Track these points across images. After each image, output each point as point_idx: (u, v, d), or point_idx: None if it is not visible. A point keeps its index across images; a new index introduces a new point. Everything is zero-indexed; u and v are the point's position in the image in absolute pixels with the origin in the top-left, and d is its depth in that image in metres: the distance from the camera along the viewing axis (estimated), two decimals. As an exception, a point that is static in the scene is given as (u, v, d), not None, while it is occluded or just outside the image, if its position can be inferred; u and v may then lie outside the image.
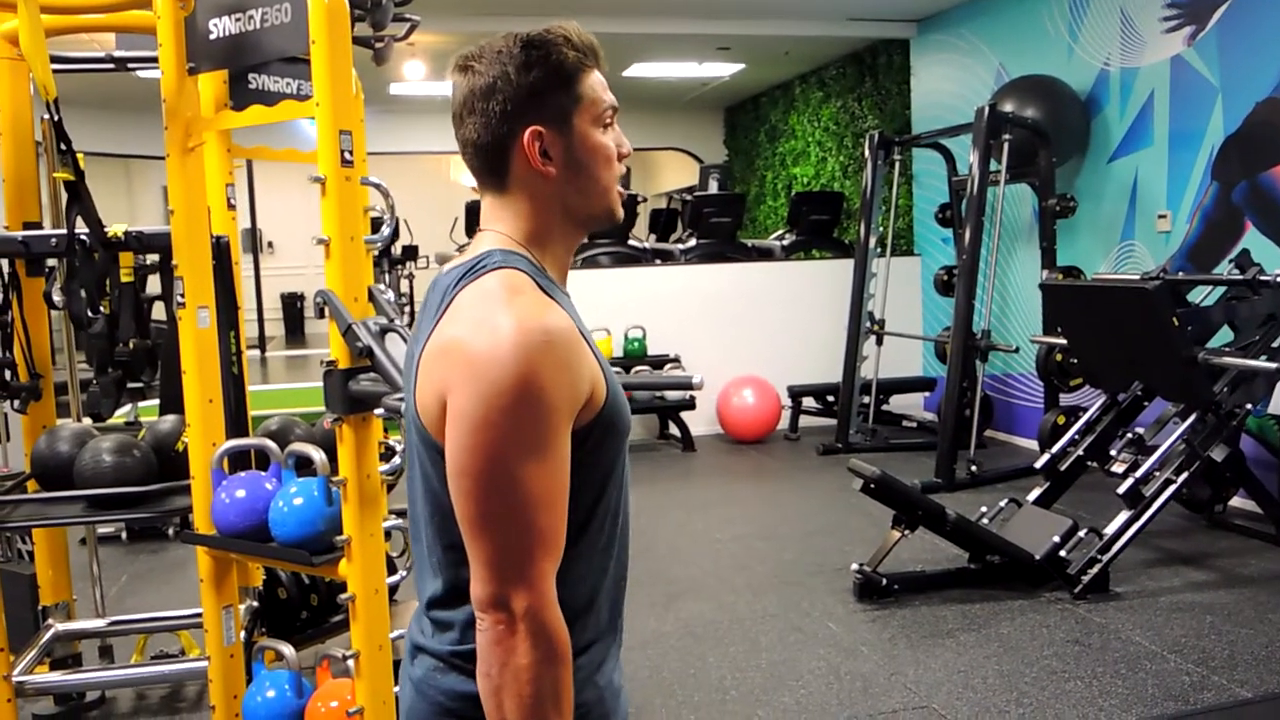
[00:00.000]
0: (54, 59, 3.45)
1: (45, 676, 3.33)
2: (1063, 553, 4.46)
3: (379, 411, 2.52)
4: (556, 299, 1.25)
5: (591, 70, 1.31)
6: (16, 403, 3.27)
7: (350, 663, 2.57)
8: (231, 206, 3.40)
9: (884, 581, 4.45)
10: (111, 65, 3.61)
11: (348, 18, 2.52)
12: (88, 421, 3.41)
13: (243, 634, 3.15)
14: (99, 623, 3.63)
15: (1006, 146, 6.36)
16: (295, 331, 15.99)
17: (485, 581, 1.17)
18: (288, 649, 2.85)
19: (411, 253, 12.32)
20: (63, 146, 2.78)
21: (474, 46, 1.30)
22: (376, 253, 9.79)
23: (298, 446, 2.69)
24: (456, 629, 1.28)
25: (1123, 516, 4.52)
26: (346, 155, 2.48)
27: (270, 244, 15.87)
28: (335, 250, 2.47)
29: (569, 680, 1.19)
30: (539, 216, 1.31)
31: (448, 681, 1.28)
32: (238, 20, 2.65)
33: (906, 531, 4.49)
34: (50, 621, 3.45)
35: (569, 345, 1.19)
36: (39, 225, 3.32)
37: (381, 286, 3.52)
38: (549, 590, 1.17)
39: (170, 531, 5.39)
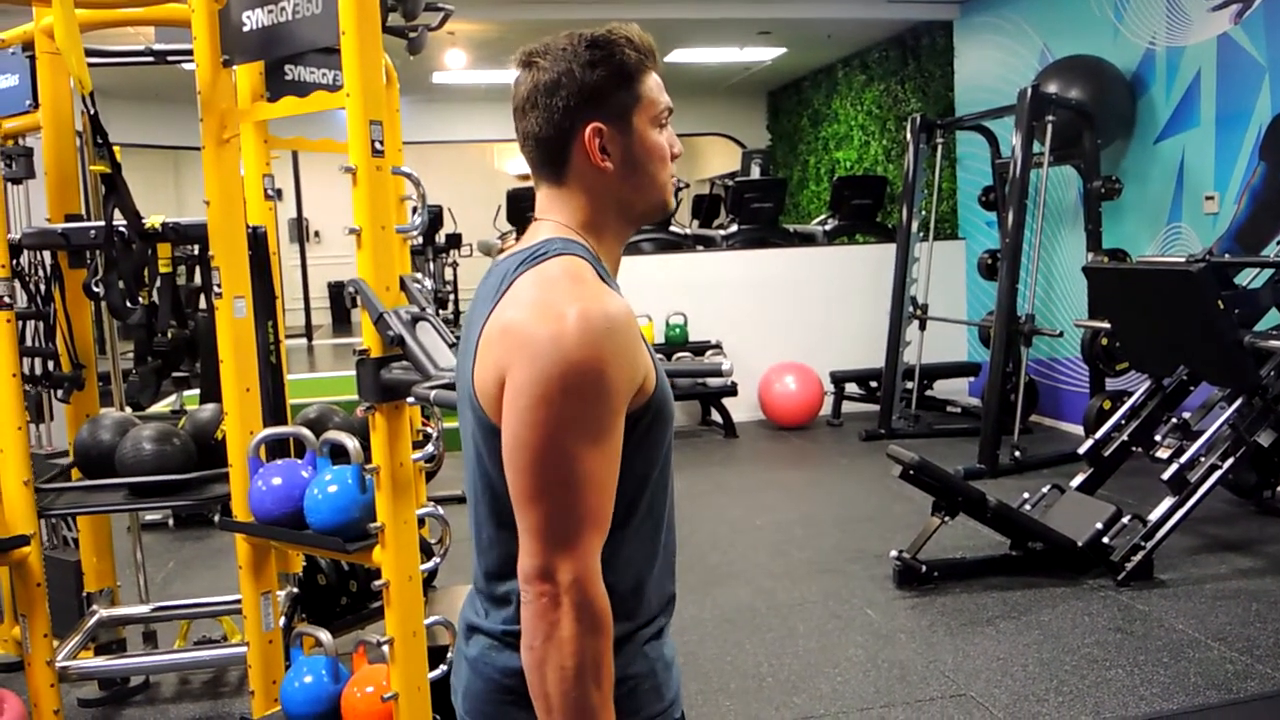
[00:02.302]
0: (95, 52, 3.50)
1: (89, 661, 3.40)
2: (1106, 539, 4.41)
3: (411, 400, 2.54)
4: (611, 288, 1.29)
5: (651, 71, 1.35)
6: (60, 392, 3.33)
7: (385, 649, 2.60)
8: (269, 197, 3.43)
9: (924, 568, 4.41)
10: (151, 58, 3.66)
11: (378, 8, 2.53)
12: (130, 410, 3.47)
13: (282, 620, 3.20)
14: (143, 608, 3.70)
15: (1050, 128, 6.26)
16: (342, 320, 16.12)
17: (533, 554, 1.20)
18: (325, 635, 2.88)
19: (455, 241, 12.39)
20: (99, 139, 2.82)
21: (538, 43, 1.34)
22: (419, 242, 9.83)
23: (332, 434, 2.72)
24: (510, 606, 1.31)
25: (1167, 502, 4.45)
26: (377, 145, 2.49)
27: (317, 233, 16.02)
28: (367, 240, 2.49)
29: (610, 654, 1.22)
30: (595, 209, 1.36)
31: (503, 659, 1.31)
32: (270, 12, 2.67)
33: (946, 518, 4.45)
34: (95, 607, 3.52)
35: (628, 332, 1.23)
36: (80, 217, 3.37)
37: (418, 275, 3.54)
38: (594, 564, 1.21)
39: (216, 519, 5.48)
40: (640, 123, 1.34)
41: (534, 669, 1.20)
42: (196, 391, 3.44)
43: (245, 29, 2.73)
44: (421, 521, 2.91)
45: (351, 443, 2.64)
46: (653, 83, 1.35)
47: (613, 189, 1.34)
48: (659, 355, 1.34)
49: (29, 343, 3.43)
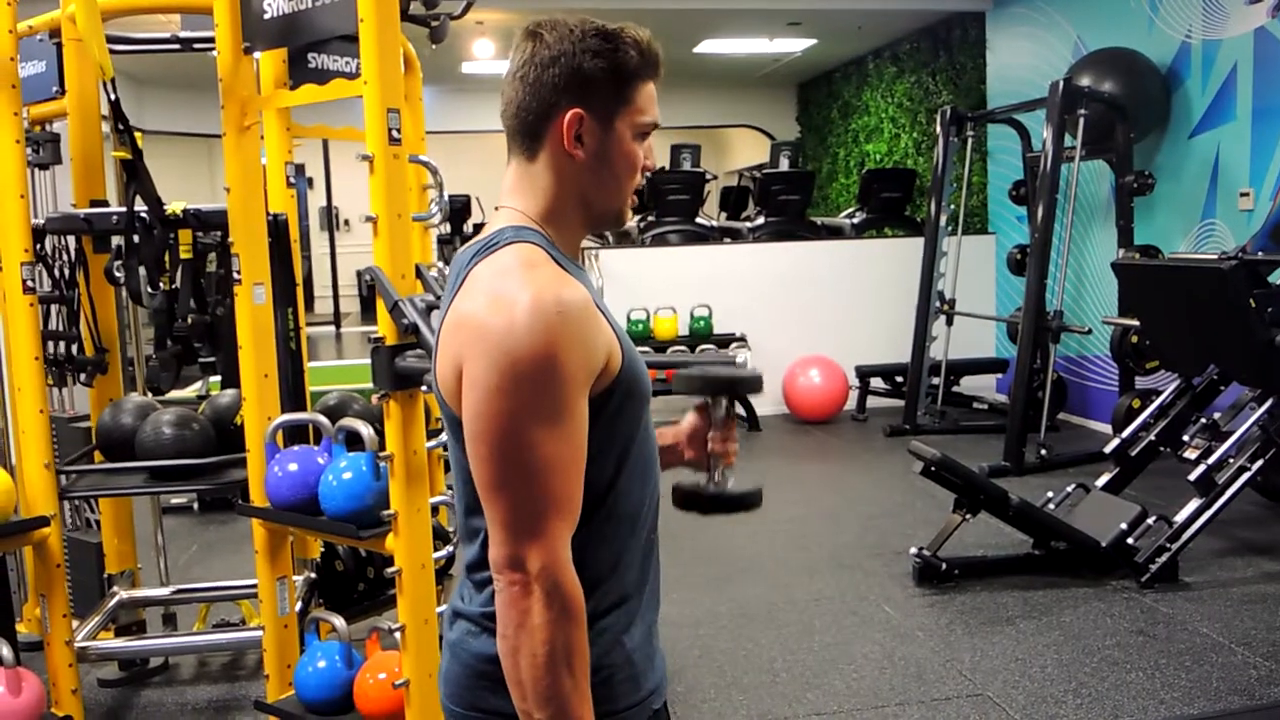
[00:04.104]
0: (122, 40, 3.53)
1: (109, 642, 3.43)
2: (1130, 540, 4.35)
3: (425, 388, 2.54)
4: (571, 273, 1.29)
5: (648, 82, 1.35)
6: (83, 375, 3.36)
7: (397, 636, 2.61)
8: (291, 184, 3.45)
9: (944, 566, 4.38)
10: (177, 45, 3.67)
11: (396, -4, 2.53)
12: (151, 395, 3.50)
13: (299, 605, 3.22)
14: (163, 591, 3.74)
15: (1082, 121, 6.17)
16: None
17: (500, 543, 1.21)
18: (339, 621, 2.90)
19: (482, 230, 12.42)
20: (120, 126, 2.83)
21: (548, 18, 1.34)
22: (447, 230, 9.87)
23: (347, 421, 2.73)
24: (487, 590, 1.32)
25: (1194, 504, 4.39)
26: (394, 133, 2.49)
27: (346, 222, 16.11)
28: (383, 228, 2.50)
29: (583, 640, 1.22)
30: (557, 195, 1.35)
31: (478, 644, 1.32)
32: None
33: (968, 515, 4.41)
34: (115, 589, 3.56)
35: (583, 316, 1.22)
36: (105, 203, 3.40)
37: (437, 263, 3.54)
38: (563, 551, 1.21)
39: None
40: (622, 126, 1.33)
41: (508, 656, 1.22)
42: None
43: (266, 16, 2.74)
44: (436, 509, 2.92)
45: (366, 430, 2.65)
46: (646, 92, 1.35)
47: (579, 179, 1.34)
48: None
49: (53, 326, 3.46)
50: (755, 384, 1.56)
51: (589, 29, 1.31)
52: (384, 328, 2.53)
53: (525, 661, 1.20)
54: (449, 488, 3.28)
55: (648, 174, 1.39)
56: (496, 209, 1.38)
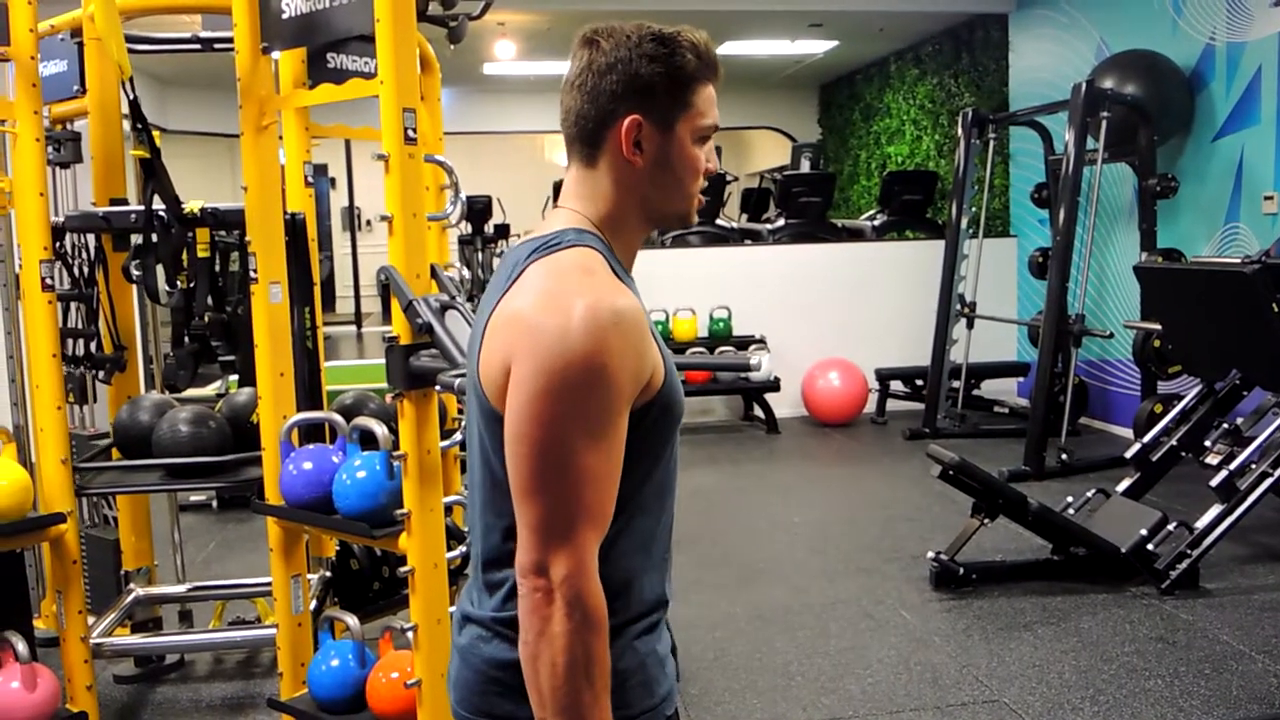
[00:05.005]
0: (144, 39, 3.55)
1: (124, 639, 3.45)
2: (1150, 546, 4.31)
3: (439, 387, 2.54)
4: (625, 283, 1.28)
5: (707, 84, 1.34)
6: (101, 373, 3.38)
7: (410, 635, 2.61)
8: (309, 184, 3.46)
9: (961, 571, 4.35)
10: (198, 46, 3.69)
11: (413, -4, 2.52)
12: (168, 393, 3.51)
13: (314, 603, 3.22)
14: (179, 588, 3.75)
15: (1105, 124, 6.13)
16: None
17: (529, 548, 1.20)
18: (352, 620, 2.90)
19: (503, 231, 12.42)
20: (139, 125, 2.85)
21: (605, 24, 1.33)
22: (468, 231, 9.91)
23: (361, 420, 2.73)
24: (500, 593, 1.31)
25: (1215, 510, 4.35)
26: (410, 133, 2.49)
27: (368, 222, 16.17)
28: (398, 227, 2.50)
29: (604, 651, 1.21)
30: (618, 201, 1.34)
31: (490, 649, 1.31)
32: (309, -1, 2.68)
33: (986, 520, 4.38)
34: (132, 585, 3.58)
35: (636, 328, 1.21)
36: (125, 201, 3.42)
37: (453, 263, 3.54)
38: (590, 561, 1.20)
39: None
40: (682, 130, 1.32)
41: (528, 663, 1.21)
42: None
43: (284, 16, 2.75)
44: (449, 509, 2.92)
45: (380, 429, 2.65)
46: (705, 95, 1.33)
47: (639, 185, 1.33)
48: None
49: (72, 324, 3.48)
50: None
51: (645, 34, 1.30)
52: (398, 327, 2.54)
53: (545, 670, 1.19)
54: (465, 487, 3.29)
55: (709, 177, 1.38)
56: (556, 207, 1.37)
